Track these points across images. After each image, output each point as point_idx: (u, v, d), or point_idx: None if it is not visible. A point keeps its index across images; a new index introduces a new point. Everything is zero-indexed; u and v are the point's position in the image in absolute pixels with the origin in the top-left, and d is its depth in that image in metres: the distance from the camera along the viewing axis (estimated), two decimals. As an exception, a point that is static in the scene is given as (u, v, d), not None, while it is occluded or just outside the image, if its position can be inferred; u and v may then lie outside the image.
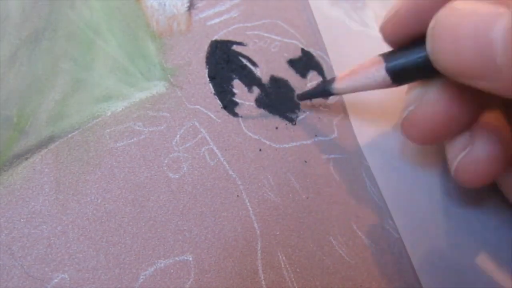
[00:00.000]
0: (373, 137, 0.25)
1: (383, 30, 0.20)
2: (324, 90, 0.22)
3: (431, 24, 0.17)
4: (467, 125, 0.19)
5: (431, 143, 0.21)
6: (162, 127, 0.22)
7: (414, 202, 0.24)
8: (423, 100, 0.19)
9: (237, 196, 0.21)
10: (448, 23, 0.16)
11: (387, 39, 0.20)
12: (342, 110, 0.25)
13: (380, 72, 0.19)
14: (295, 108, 0.24)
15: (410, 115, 0.20)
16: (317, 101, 0.25)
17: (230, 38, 0.25)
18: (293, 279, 0.21)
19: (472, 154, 0.19)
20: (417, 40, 0.18)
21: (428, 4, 0.18)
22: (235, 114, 0.23)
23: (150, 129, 0.22)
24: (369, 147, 0.25)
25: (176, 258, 0.20)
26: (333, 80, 0.22)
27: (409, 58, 0.18)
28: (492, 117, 0.20)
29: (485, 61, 0.15)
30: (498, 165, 0.19)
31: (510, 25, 0.14)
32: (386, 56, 0.19)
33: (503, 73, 0.14)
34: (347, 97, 0.26)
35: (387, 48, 0.20)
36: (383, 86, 0.20)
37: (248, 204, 0.21)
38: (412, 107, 0.20)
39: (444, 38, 0.16)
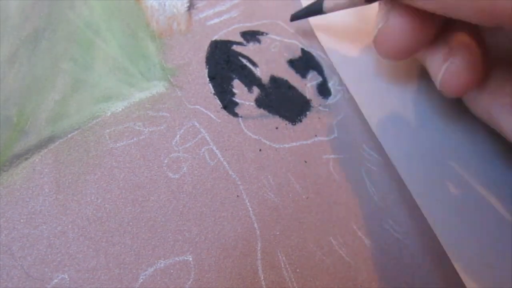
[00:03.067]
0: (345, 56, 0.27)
1: None
2: (314, 10, 0.24)
3: None
4: (429, 39, 0.22)
5: (402, 58, 0.23)
6: (162, 127, 0.22)
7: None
8: (390, 17, 0.21)
9: (237, 196, 0.21)
10: None
11: None
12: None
13: None
14: (295, 108, 0.24)
15: (379, 32, 0.22)
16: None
17: (230, 38, 0.25)
18: (293, 279, 0.21)
19: (454, 64, 0.21)
20: None
21: None
22: (235, 114, 0.23)
23: (150, 129, 0.22)
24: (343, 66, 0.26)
25: (176, 258, 0.20)
26: (320, 1, 0.24)
27: None
28: (464, 35, 0.22)
29: None
30: (476, 75, 0.21)
31: None
32: None
33: None
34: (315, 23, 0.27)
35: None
36: (358, 4, 0.22)
37: (248, 204, 0.21)
38: (380, 24, 0.22)
39: None
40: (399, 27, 0.21)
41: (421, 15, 0.20)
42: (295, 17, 0.26)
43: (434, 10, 0.18)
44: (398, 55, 0.22)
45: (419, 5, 0.19)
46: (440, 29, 0.22)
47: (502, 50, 0.23)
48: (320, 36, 0.27)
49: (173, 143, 0.22)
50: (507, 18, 0.16)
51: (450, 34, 0.22)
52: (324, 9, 0.24)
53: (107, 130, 0.21)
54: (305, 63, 0.26)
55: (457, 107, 0.26)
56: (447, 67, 0.21)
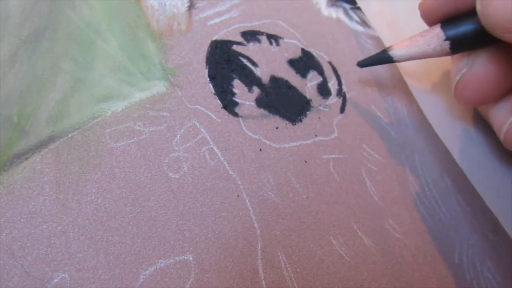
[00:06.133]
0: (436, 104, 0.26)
1: (422, 6, 0.22)
2: (384, 58, 0.23)
3: None
4: (510, 87, 0.21)
5: (482, 103, 0.23)
6: (162, 127, 0.22)
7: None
8: (475, 63, 0.21)
9: (237, 196, 0.21)
10: None
11: (424, 14, 0.22)
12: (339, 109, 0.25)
13: (440, 40, 0.21)
14: (295, 108, 0.24)
15: (463, 77, 0.22)
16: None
17: (230, 38, 0.25)
18: (293, 279, 0.21)
19: None
20: (465, 12, 0.21)
21: None
22: (235, 114, 0.23)
23: (150, 129, 0.22)
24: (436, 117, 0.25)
25: (177, 258, 0.20)
26: (392, 47, 0.23)
27: (466, 26, 0.20)
28: None
29: None
30: None
31: None
32: (444, 26, 0.21)
33: None
34: (403, 69, 0.26)
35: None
36: (441, 54, 0.22)
37: (248, 204, 0.21)
38: (464, 69, 0.21)
39: None
40: (485, 72, 0.21)
41: (507, 62, 0.20)
42: (363, 64, 0.25)
43: None
44: (480, 101, 0.22)
45: None
46: None
47: None
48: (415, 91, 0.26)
49: (174, 142, 0.22)
50: None
51: None
52: (393, 58, 0.23)
53: (108, 130, 0.21)
54: (305, 63, 0.26)
55: None
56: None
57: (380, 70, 0.27)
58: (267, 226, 0.21)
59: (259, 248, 0.21)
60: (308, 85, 0.25)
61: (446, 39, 0.21)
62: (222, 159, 0.22)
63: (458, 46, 0.21)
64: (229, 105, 0.23)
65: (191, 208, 0.21)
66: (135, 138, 0.21)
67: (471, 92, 0.22)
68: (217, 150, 0.22)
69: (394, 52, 0.23)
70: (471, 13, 0.20)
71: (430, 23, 0.22)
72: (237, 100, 0.23)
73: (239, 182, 0.22)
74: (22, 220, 0.19)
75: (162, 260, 0.19)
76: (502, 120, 0.22)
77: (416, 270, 0.23)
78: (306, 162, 0.23)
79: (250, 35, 0.25)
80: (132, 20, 0.24)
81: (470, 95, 0.22)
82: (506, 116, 0.22)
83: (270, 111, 0.24)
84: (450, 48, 0.21)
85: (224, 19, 0.25)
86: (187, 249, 0.20)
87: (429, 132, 0.26)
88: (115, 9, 0.24)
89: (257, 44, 0.25)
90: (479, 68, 0.21)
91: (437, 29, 0.21)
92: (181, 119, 0.22)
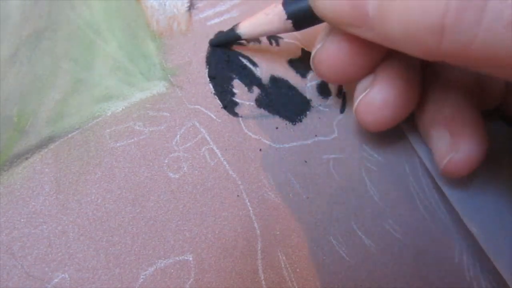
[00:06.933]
0: None
1: None
2: (232, 36, 0.23)
3: None
4: (371, 66, 0.21)
5: (341, 82, 0.22)
6: (162, 127, 0.22)
7: None
8: (328, 39, 0.20)
9: (237, 196, 0.21)
10: None
11: None
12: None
13: (282, 18, 0.20)
14: (295, 108, 0.24)
15: (317, 52, 0.21)
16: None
17: (230, 38, 0.25)
18: (293, 279, 0.21)
19: (369, 96, 0.20)
20: None
21: None
22: (235, 114, 0.23)
23: (150, 129, 0.22)
24: None
25: (176, 258, 0.20)
26: (238, 25, 0.23)
27: (305, 2, 0.19)
28: (398, 64, 0.20)
29: (359, 12, 0.16)
30: (395, 111, 0.20)
31: None
32: (287, 2, 0.20)
33: (375, 24, 0.16)
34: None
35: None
36: (287, 31, 0.21)
37: (248, 204, 0.21)
38: (319, 45, 0.20)
39: None
40: (335, 51, 0.20)
41: (360, 41, 0.19)
42: (214, 43, 0.24)
43: (374, 40, 0.17)
44: (335, 79, 0.21)
45: (356, 33, 0.17)
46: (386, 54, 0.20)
47: (440, 75, 0.22)
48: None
49: (174, 143, 0.22)
50: (452, 59, 0.15)
51: (383, 62, 0.21)
52: (242, 36, 0.23)
53: (108, 130, 0.21)
54: (305, 63, 0.26)
55: None
56: (362, 97, 0.21)
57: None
58: (267, 226, 0.21)
59: (259, 248, 0.21)
60: (308, 85, 0.25)
61: (288, 18, 0.20)
62: (222, 159, 0.22)
63: (300, 23, 0.20)
64: (229, 105, 0.23)
65: (191, 208, 0.21)
66: (135, 138, 0.21)
67: (325, 69, 0.20)
68: (217, 150, 0.22)
69: (241, 31, 0.22)
70: None
71: None
72: (237, 100, 0.23)
73: (239, 182, 0.22)
74: (22, 220, 0.19)
75: (162, 260, 0.19)
76: (356, 96, 0.21)
77: (416, 270, 0.23)
78: (306, 162, 0.23)
79: None
80: (132, 20, 0.24)
81: (324, 71, 0.21)
82: (359, 93, 0.21)
83: (270, 111, 0.24)
84: (293, 26, 0.20)
85: (224, 19, 0.25)
86: (187, 249, 0.20)
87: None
88: (115, 9, 0.24)
89: (257, 44, 0.25)
90: (332, 44, 0.20)
91: (279, 7, 0.20)
92: (181, 119, 0.22)
